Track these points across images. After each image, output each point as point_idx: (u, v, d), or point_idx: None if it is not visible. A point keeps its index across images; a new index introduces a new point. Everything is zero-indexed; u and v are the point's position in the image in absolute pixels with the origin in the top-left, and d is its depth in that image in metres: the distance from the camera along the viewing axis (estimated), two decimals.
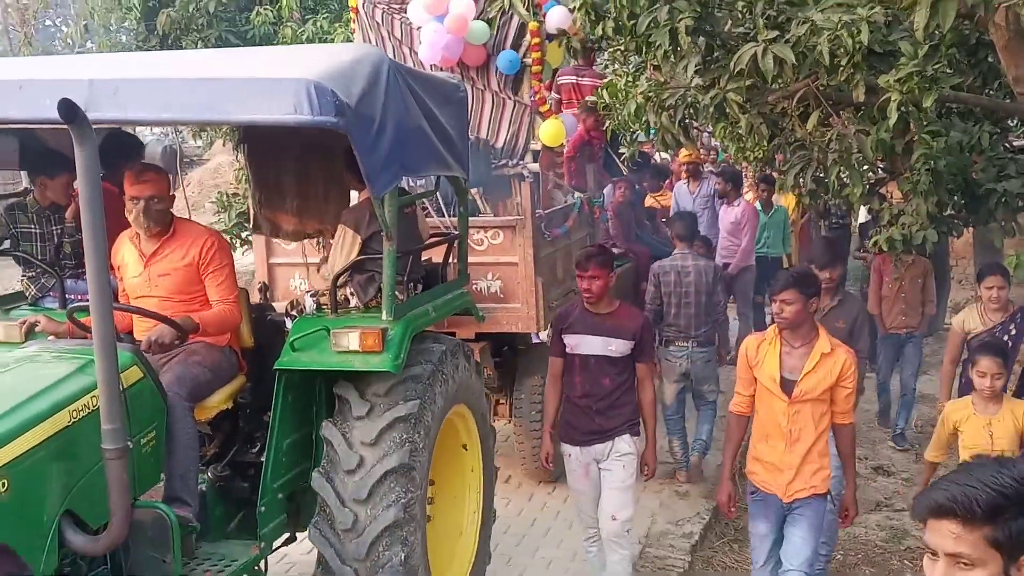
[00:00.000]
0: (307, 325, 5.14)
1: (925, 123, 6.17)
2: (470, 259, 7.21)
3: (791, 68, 5.83)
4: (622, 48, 7.11)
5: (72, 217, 6.31)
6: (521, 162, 8.08)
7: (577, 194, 8.67)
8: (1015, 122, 7.95)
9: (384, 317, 5.06)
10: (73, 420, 4.02)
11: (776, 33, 5.81)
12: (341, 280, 5.40)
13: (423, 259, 6.17)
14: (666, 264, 8.74)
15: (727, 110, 6.42)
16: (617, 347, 5.55)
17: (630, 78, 7.14)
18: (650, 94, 6.66)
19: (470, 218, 7.46)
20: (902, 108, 5.63)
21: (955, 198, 7.15)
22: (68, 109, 3.51)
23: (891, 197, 7.93)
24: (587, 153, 9.32)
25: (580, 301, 5.90)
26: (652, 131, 7.19)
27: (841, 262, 5.79)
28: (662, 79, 6.83)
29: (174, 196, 5.27)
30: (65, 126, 3.65)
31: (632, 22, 6.12)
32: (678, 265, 8.66)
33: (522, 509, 7.88)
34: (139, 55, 5.68)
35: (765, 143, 7.50)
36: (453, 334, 7.11)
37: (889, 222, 6.97)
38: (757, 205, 12.03)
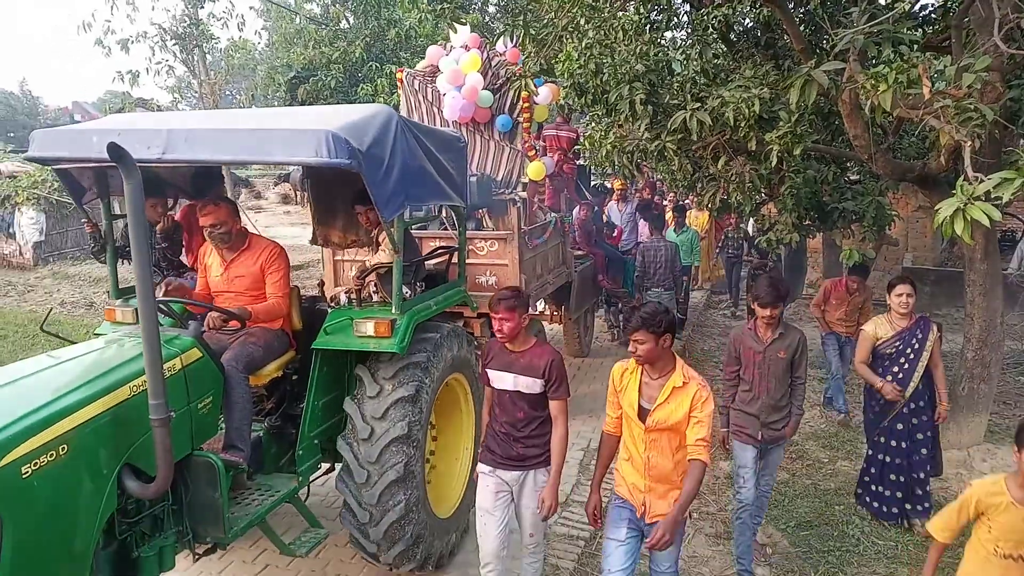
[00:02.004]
0: (338, 315, 4.77)
1: (792, 165, 6.94)
2: (474, 261, 7.11)
3: (708, 127, 6.17)
4: (597, 112, 7.23)
5: (161, 231, 6.05)
6: (514, 191, 7.89)
7: (552, 214, 8.50)
8: (851, 164, 8.59)
9: (393, 311, 4.68)
10: (132, 394, 3.65)
11: (699, 104, 6.21)
12: (368, 279, 4.93)
13: (430, 265, 5.86)
14: (649, 245, 10.12)
15: (666, 154, 6.84)
16: (527, 384, 4.18)
17: (603, 132, 7.29)
18: (616, 143, 7.03)
19: (476, 231, 7.45)
20: (780, 154, 6.06)
21: (811, 213, 8.07)
22: (115, 151, 3.14)
23: (768, 213, 8.73)
24: (560, 183, 9.15)
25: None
26: (616, 167, 7.50)
27: (782, 301, 4.97)
28: (624, 133, 7.10)
29: (238, 219, 4.89)
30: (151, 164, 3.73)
31: (604, 95, 6.76)
32: (654, 245, 10.06)
33: None
34: (216, 112, 5.13)
35: (689, 176, 7.91)
36: (461, 315, 6.82)
37: (767, 228, 8.17)
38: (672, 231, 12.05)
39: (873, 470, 6.04)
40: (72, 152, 4.16)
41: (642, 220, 11.98)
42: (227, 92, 30.09)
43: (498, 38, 8.06)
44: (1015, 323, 9.59)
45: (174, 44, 19.97)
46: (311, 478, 4.86)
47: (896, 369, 5.80)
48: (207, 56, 21.54)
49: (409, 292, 4.91)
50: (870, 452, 6.10)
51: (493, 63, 7.90)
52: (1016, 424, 7.50)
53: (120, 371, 3.66)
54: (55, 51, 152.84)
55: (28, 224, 18.89)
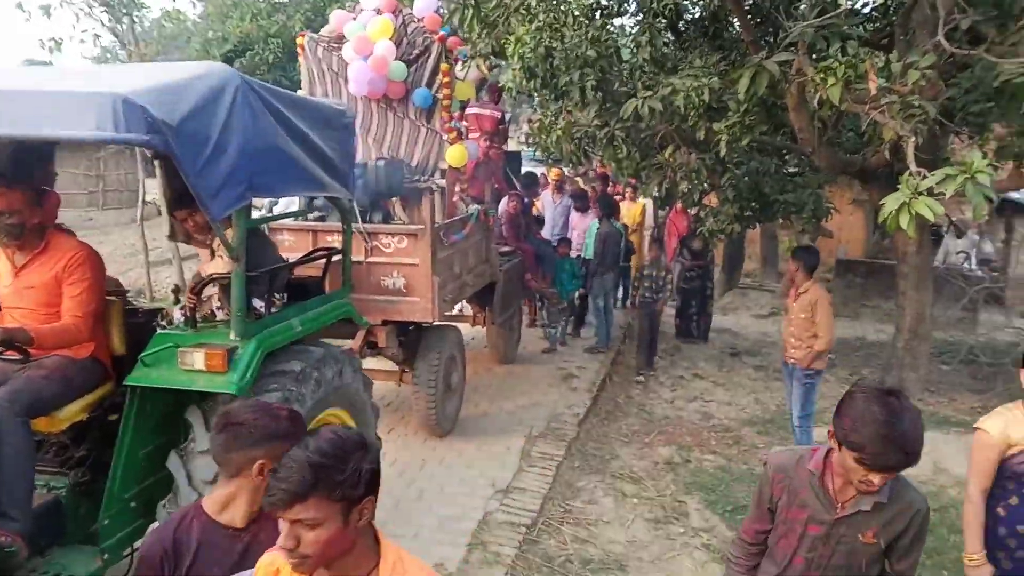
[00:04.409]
0: (163, 340, 3.36)
1: (735, 156, 6.60)
2: (379, 260, 5.70)
3: (658, 115, 5.92)
4: (546, 96, 6.77)
5: None
6: (431, 178, 6.41)
7: (475, 205, 6.91)
8: (791, 157, 8.30)
9: (232, 336, 3.23)
10: None
11: (650, 92, 5.91)
12: (208, 293, 3.49)
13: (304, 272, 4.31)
14: (609, 231, 9.29)
15: (615, 142, 6.73)
16: None
17: (552, 118, 7.06)
18: (565, 129, 6.80)
19: (382, 224, 6.01)
20: (728, 144, 5.84)
21: (752, 204, 7.85)
22: None
23: (710, 203, 8.28)
24: (485, 171, 7.42)
25: None
26: (565, 154, 7.26)
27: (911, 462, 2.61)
28: (573, 120, 6.85)
29: (38, 210, 3.40)
30: None
31: (554, 80, 6.33)
32: (611, 231, 9.29)
33: (423, 463, 6.18)
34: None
35: (636, 164, 7.62)
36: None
37: (708, 216, 7.92)
38: (594, 220, 10.25)
39: None
40: None
41: (574, 211, 10.39)
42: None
43: (448, 19, 6.74)
44: (940, 315, 9.28)
45: (102, 11, 17.93)
46: (129, 550, 3.46)
47: None
48: (137, 25, 19.54)
49: (263, 309, 3.57)
50: None
51: (409, 29, 6.38)
52: (940, 411, 6.28)
53: None
54: None
55: None
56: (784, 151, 8.19)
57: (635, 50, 6.96)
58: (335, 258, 4.45)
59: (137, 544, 3.44)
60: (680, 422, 7.24)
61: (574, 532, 5.15)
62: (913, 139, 4.50)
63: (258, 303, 3.54)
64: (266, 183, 3.26)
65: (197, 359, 3.15)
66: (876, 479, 2.18)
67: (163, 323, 3.58)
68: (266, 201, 5.46)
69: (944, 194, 3.94)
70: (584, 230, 10.06)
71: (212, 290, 3.58)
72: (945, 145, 7.37)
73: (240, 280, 3.20)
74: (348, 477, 1.63)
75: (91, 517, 3.40)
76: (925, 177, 4.02)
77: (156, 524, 2.19)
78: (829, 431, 2.28)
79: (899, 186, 4.11)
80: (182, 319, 3.47)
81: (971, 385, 8.31)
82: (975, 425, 3.02)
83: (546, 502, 5.51)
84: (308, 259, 4.34)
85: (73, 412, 3.33)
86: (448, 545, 4.84)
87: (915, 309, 6.95)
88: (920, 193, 3.96)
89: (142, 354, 3.25)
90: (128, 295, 4.16)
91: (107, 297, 3.64)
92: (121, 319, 3.69)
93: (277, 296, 3.72)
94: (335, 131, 3.94)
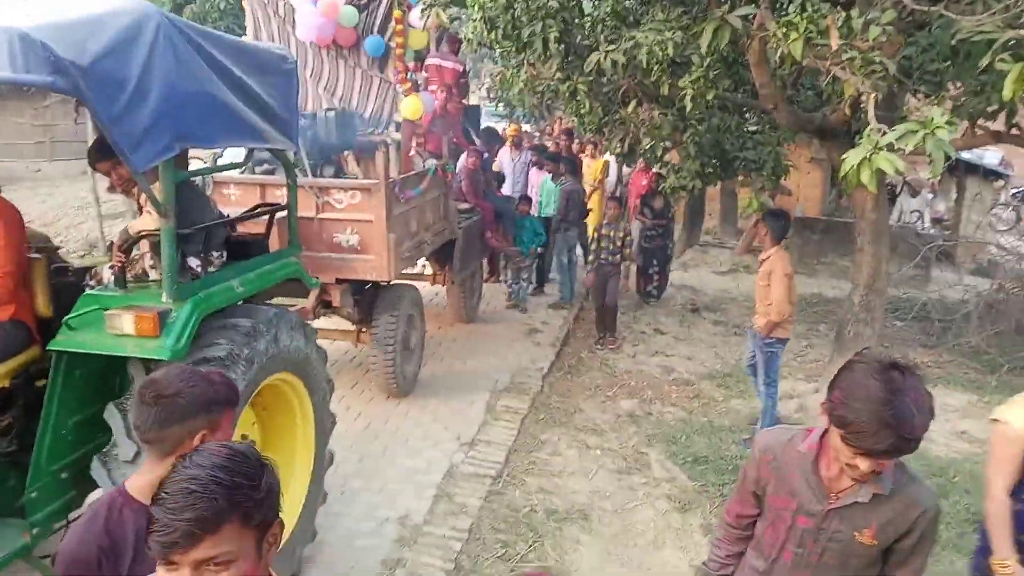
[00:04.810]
0: (90, 301, 3.08)
1: (697, 113, 6.34)
2: (331, 216, 5.41)
3: (621, 69, 5.74)
4: (508, 48, 6.37)
5: None
6: (385, 131, 6.05)
7: (432, 160, 6.56)
8: (751, 114, 8.17)
9: (165, 298, 2.97)
10: None
11: (612, 46, 5.72)
12: (141, 249, 3.22)
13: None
14: (573, 187, 9.26)
15: (577, 96, 6.47)
16: None
17: (514, 71, 6.82)
18: (527, 82, 6.65)
19: (333, 179, 5.68)
20: (694, 100, 5.66)
21: (713, 161, 7.70)
22: None
23: (671, 160, 8.07)
24: (443, 125, 7.08)
25: None
26: (527, 107, 7.46)
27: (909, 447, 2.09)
28: (535, 73, 6.64)
29: None
30: None
31: (516, 31, 6.04)
32: (576, 188, 9.30)
33: (387, 418, 6.09)
34: None
35: (598, 119, 7.37)
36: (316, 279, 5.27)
37: (669, 173, 7.76)
38: (547, 176, 9.94)
39: None
40: None
41: (534, 168, 10.07)
42: None
43: None
44: (894, 272, 9.23)
45: None
46: (61, 524, 3.22)
47: None
48: None
49: (200, 268, 3.32)
50: None
51: None
52: None
53: None
54: None
55: None
56: (745, 108, 7.98)
57: (597, 3, 6.77)
58: (280, 214, 4.17)
59: (73, 516, 3.22)
60: (642, 376, 7.22)
61: (539, 483, 5.19)
62: (874, 95, 4.45)
63: (194, 262, 3.27)
64: (196, 132, 2.97)
65: (126, 323, 2.88)
66: (863, 464, 1.85)
67: (92, 283, 3.31)
68: (208, 153, 5.14)
69: (904, 149, 3.89)
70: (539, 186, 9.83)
71: (144, 248, 3.30)
72: (902, 104, 7.34)
73: (170, 238, 2.92)
74: (265, 497, 1.32)
75: (20, 489, 3.14)
76: (886, 133, 3.98)
77: (76, 520, 1.91)
78: (821, 405, 1.96)
79: (860, 142, 4.07)
80: (112, 278, 3.20)
81: (923, 340, 8.41)
82: (994, 416, 2.63)
83: (511, 454, 5.55)
84: (249, 215, 4.05)
85: None
86: (414, 497, 4.88)
87: (871, 265, 6.85)
88: (881, 148, 3.91)
89: (66, 317, 2.99)
90: (59, 251, 3.86)
91: (30, 255, 3.35)
92: (46, 278, 3.38)
93: (215, 255, 3.44)
94: (275, 77, 3.63)
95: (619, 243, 7.87)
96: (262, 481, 1.32)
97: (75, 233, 12.09)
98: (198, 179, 5.24)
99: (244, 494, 1.28)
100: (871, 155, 3.92)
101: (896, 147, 3.91)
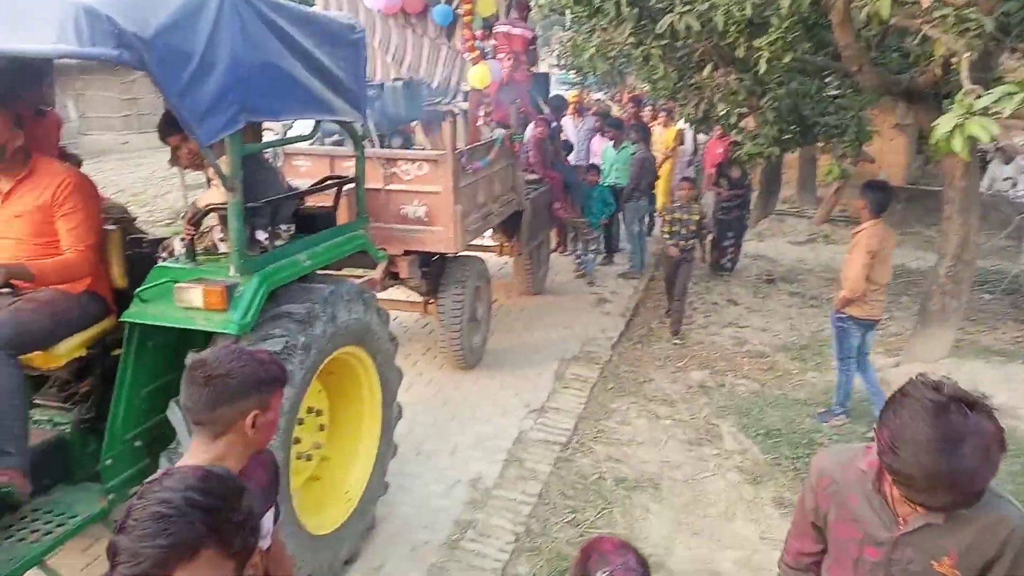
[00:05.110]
0: (161, 274, 3.10)
1: (775, 77, 6.18)
2: (398, 187, 5.35)
3: (695, 32, 5.61)
4: (580, 13, 6.42)
5: None
6: (453, 100, 5.91)
7: (500, 130, 6.42)
8: (832, 78, 7.83)
9: (232, 272, 2.98)
10: None
11: (687, 7, 5.55)
12: (210, 224, 3.22)
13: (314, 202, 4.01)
14: (647, 155, 9.05)
15: (650, 61, 6.35)
16: None
17: (586, 36, 6.77)
18: (599, 48, 6.53)
19: (401, 150, 5.60)
20: (769, 62, 5.49)
21: (792, 127, 7.46)
22: None
23: (747, 127, 7.73)
24: (511, 94, 6.91)
25: None
26: (598, 73, 7.32)
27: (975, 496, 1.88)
28: (607, 38, 6.48)
29: (18, 133, 3.08)
30: None
31: None
32: (641, 155, 8.89)
33: (458, 384, 6.15)
34: None
35: (672, 84, 7.29)
36: (383, 251, 5.26)
37: (745, 140, 7.41)
38: (608, 144, 9.50)
39: None
40: None
41: (598, 135, 9.73)
42: None
43: None
44: (984, 243, 8.69)
45: None
46: (135, 490, 3.32)
47: None
48: None
49: (267, 242, 3.30)
50: None
51: None
52: (981, 340, 7.04)
53: None
54: None
55: None
56: (826, 72, 7.57)
57: None
58: (347, 187, 4.13)
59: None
60: (714, 347, 7.11)
61: (608, 451, 5.17)
62: (968, 55, 4.14)
63: (262, 235, 3.26)
64: (263, 105, 2.93)
65: (194, 296, 2.89)
66: (920, 510, 1.60)
67: (163, 255, 3.34)
68: (280, 125, 5.14)
69: (1001, 113, 3.61)
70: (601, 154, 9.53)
71: (214, 221, 3.30)
72: (997, 64, 6.85)
73: (237, 211, 2.91)
74: (245, 520, 1.22)
75: (98, 455, 3.21)
76: (980, 96, 3.70)
77: None
78: (874, 429, 1.63)
79: (950, 106, 3.81)
80: (183, 251, 3.22)
81: (1014, 315, 7.99)
82: None
83: (580, 422, 5.55)
84: (318, 188, 4.03)
85: (71, 347, 3.12)
86: (484, 461, 4.96)
87: (959, 234, 6.43)
88: (974, 113, 3.64)
89: (138, 289, 3.02)
90: (135, 222, 3.92)
91: (106, 227, 3.40)
92: (121, 250, 3.44)
93: (283, 228, 3.43)
94: (343, 48, 3.56)
95: (694, 227, 7.20)
96: (241, 504, 1.22)
97: (161, 203, 12.46)
98: (268, 152, 5.33)
99: (223, 517, 1.17)
100: (964, 120, 3.66)
101: (992, 111, 3.64)
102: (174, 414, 2.94)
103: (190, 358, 2.09)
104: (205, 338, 3.03)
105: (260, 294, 2.98)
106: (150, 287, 3.00)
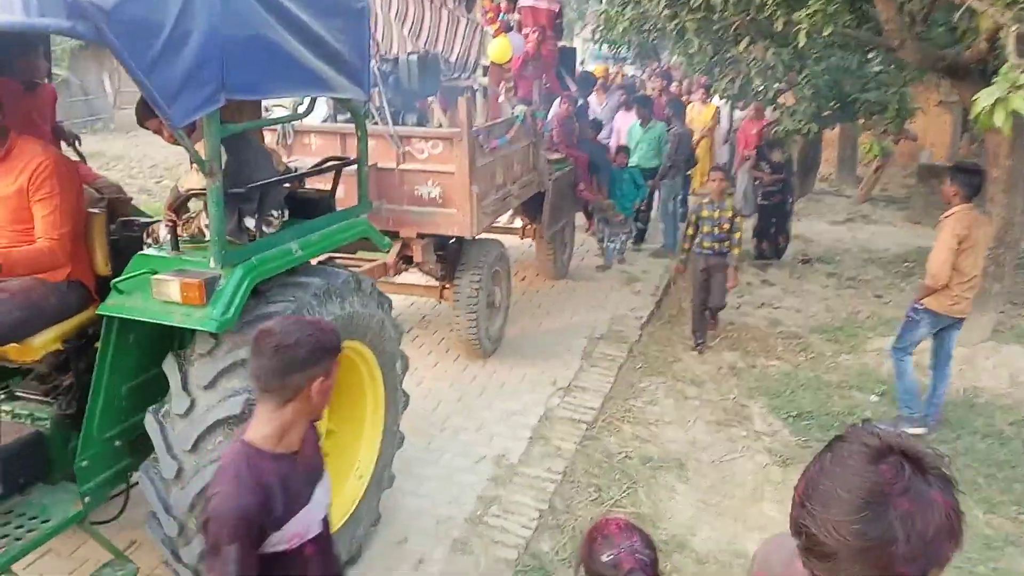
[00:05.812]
0: (141, 263, 2.85)
1: (814, 51, 6.15)
2: (412, 167, 5.05)
3: (732, 5, 5.56)
4: None
5: None
6: (472, 75, 5.56)
7: (521, 107, 6.02)
8: (874, 54, 7.62)
9: (212, 264, 2.72)
10: None
11: None
12: (195, 209, 2.97)
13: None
14: (683, 132, 8.72)
15: (685, 34, 6.26)
16: None
17: (619, 10, 6.67)
18: (632, 20, 6.48)
19: (415, 128, 5.30)
20: (809, 35, 5.31)
21: (832, 103, 7.32)
22: None
23: (785, 103, 7.61)
24: (535, 69, 6.52)
25: None
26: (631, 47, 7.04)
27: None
28: (641, 11, 6.47)
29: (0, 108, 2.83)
30: None
31: None
32: (677, 131, 8.56)
33: (485, 361, 6.05)
34: None
35: (708, 59, 7.19)
36: (397, 234, 5.14)
37: (783, 116, 7.30)
38: (635, 121, 8.85)
39: None
40: None
41: (623, 110, 9.16)
42: None
43: None
44: None
45: None
46: (118, 491, 3.08)
47: None
48: None
49: (255, 230, 3.03)
50: None
51: None
52: (1021, 324, 6.74)
53: None
54: None
55: None
56: (867, 46, 7.28)
57: None
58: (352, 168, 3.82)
59: (134, 480, 3.08)
60: (746, 328, 6.92)
61: (634, 430, 5.10)
62: (1015, 28, 3.98)
63: (251, 222, 3.00)
64: (246, 82, 2.63)
65: (172, 289, 2.65)
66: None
67: (148, 241, 3.10)
68: (290, 102, 4.85)
69: None
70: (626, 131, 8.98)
71: (201, 206, 3.04)
72: None
73: (217, 197, 2.64)
74: None
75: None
76: None
77: (217, 479, 1.87)
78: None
79: (996, 81, 3.71)
80: (167, 236, 2.97)
81: None
82: None
83: (607, 401, 5.47)
84: (315, 171, 3.71)
85: (48, 340, 2.91)
86: (510, 438, 4.92)
87: (1003, 216, 6.20)
88: (1020, 87, 3.57)
89: (116, 280, 2.78)
90: (131, 202, 3.69)
91: (91, 209, 3.17)
92: (105, 236, 3.20)
93: (274, 214, 3.15)
94: (344, 19, 3.24)
95: (727, 226, 6.07)
96: None
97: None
98: (277, 128, 5.06)
99: None
100: (1007, 94, 3.58)
101: None
102: (151, 425, 2.72)
103: (256, 330, 1.90)
104: (190, 334, 2.80)
105: (244, 288, 2.72)
106: (128, 277, 2.76)
